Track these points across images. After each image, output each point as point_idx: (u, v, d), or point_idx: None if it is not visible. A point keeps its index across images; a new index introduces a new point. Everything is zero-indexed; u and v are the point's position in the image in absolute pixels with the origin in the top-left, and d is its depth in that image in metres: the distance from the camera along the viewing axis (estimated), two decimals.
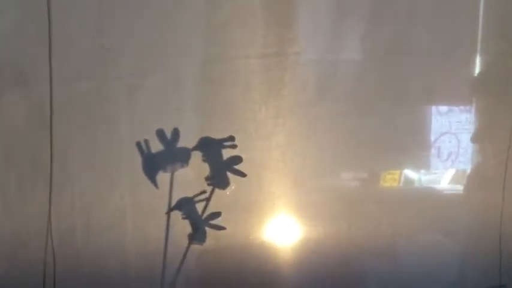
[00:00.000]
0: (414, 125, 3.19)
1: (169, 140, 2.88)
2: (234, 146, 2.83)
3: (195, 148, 2.77)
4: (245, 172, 2.94)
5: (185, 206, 2.94)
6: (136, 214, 3.17)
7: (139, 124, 3.10)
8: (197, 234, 2.88)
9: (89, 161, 3.14)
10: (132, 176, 3.11)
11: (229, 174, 2.76)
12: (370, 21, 3.09)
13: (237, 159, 2.83)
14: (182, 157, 2.93)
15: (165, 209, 3.05)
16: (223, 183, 2.87)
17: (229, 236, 3.00)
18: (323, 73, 3.11)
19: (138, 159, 3.07)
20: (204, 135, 3.04)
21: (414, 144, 3.17)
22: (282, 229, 3.17)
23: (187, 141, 3.06)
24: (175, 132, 2.86)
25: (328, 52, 3.10)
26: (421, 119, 3.18)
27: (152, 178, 2.91)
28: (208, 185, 2.92)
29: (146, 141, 2.86)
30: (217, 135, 3.01)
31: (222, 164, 2.84)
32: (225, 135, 3.00)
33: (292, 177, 3.13)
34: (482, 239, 3.21)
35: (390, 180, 3.16)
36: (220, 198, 2.77)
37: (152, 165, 2.89)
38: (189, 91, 3.11)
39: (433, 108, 3.15)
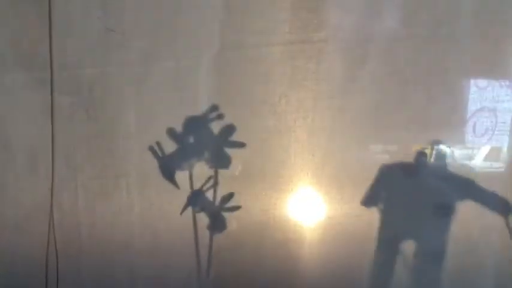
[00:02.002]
0: (449, 99, 2.90)
1: (181, 136, 2.73)
2: (220, 116, 2.73)
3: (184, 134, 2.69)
4: (261, 169, 2.89)
5: (196, 199, 2.81)
6: (144, 210, 2.97)
7: (148, 115, 2.89)
8: (216, 223, 2.83)
9: (93, 153, 2.95)
10: (139, 169, 2.94)
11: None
12: (405, 5, 2.77)
13: (230, 129, 2.71)
14: (196, 151, 2.83)
15: (175, 204, 2.94)
16: (224, 162, 2.79)
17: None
18: (352, 62, 2.79)
19: (146, 152, 2.92)
20: (219, 129, 2.87)
21: (449, 120, 2.89)
22: (302, 215, 2.95)
23: (199, 136, 2.89)
24: (187, 127, 2.70)
25: (358, 39, 2.77)
26: (457, 93, 2.89)
27: (171, 179, 2.82)
28: (210, 167, 2.84)
29: (158, 144, 2.70)
30: (232, 132, 2.85)
31: (215, 140, 2.75)
32: (241, 129, 2.85)
33: (311, 176, 2.88)
34: None
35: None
36: None
37: (169, 166, 2.82)
38: (204, 81, 2.84)
39: (471, 83, 2.86)
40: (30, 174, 2.97)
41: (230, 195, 2.84)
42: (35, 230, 3.01)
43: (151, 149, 2.71)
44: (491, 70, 2.79)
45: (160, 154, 2.73)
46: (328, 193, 2.87)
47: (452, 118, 2.82)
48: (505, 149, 2.85)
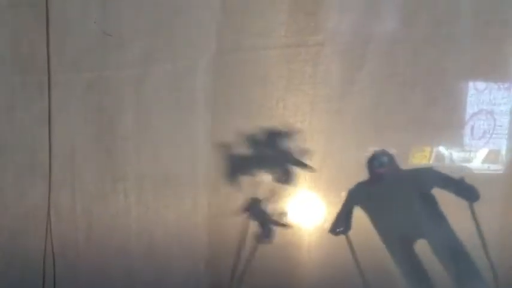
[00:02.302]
0: (447, 102, 2.87)
1: (260, 143, 2.75)
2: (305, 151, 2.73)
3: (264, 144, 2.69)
4: (255, 175, 2.84)
5: (253, 207, 2.83)
6: (141, 213, 2.95)
7: (146, 118, 2.88)
8: (265, 234, 2.82)
9: (90, 157, 2.94)
10: (137, 173, 2.93)
11: None
12: (404, 7, 2.75)
13: (305, 152, 2.73)
14: (270, 163, 2.81)
15: (173, 208, 2.93)
16: (291, 179, 2.79)
17: None
18: (349, 65, 2.77)
19: (144, 155, 2.91)
20: (215, 132, 2.86)
21: (447, 122, 2.86)
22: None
23: (197, 138, 2.88)
24: (268, 137, 2.74)
25: (355, 42, 2.76)
26: (456, 96, 2.87)
27: (236, 181, 2.82)
28: (275, 181, 2.82)
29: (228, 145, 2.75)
30: (230, 133, 2.83)
31: (289, 157, 2.76)
32: (239, 133, 2.84)
33: (309, 180, 2.85)
34: None
35: (420, 157, 2.91)
36: None
37: (238, 168, 2.80)
38: (201, 83, 2.83)
39: (470, 85, 2.84)
40: (27, 177, 2.96)
41: (285, 213, 2.85)
42: (32, 234, 2.99)
43: (224, 146, 2.75)
44: (490, 72, 2.78)
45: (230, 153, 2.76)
46: (327, 196, 2.86)
47: (450, 120, 2.81)
48: (503, 152, 2.84)
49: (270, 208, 2.81)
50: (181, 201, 2.93)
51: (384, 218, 2.79)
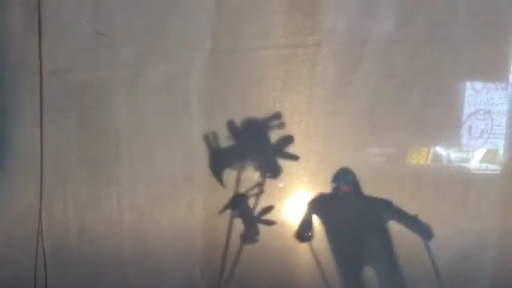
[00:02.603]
0: (445, 102, 2.86)
1: (239, 134, 2.67)
2: (282, 126, 2.67)
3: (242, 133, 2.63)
4: (250, 176, 2.79)
5: (238, 203, 2.78)
6: (134, 218, 2.90)
7: (140, 119, 2.83)
8: (250, 232, 2.77)
9: (83, 159, 2.88)
10: (131, 175, 2.88)
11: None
12: (401, 7, 2.73)
13: (288, 140, 2.67)
14: (250, 154, 2.73)
15: (167, 211, 2.88)
16: (275, 172, 2.73)
17: None
18: (346, 65, 2.73)
19: (137, 157, 2.86)
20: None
21: (445, 122, 2.84)
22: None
23: (192, 140, 2.83)
24: (246, 127, 2.66)
25: (352, 42, 2.72)
26: (454, 96, 2.85)
27: (219, 176, 2.76)
28: (259, 174, 2.77)
29: (215, 134, 2.65)
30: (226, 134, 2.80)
31: (270, 148, 2.70)
32: (234, 136, 2.80)
33: (306, 182, 2.82)
34: None
35: (417, 157, 2.89)
36: None
37: (220, 161, 2.75)
38: (196, 84, 2.79)
39: (468, 85, 2.83)
40: (19, 180, 2.91)
41: (270, 208, 2.79)
42: (23, 238, 2.94)
43: (206, 137, 2.67)
44: (488, 72, 2.75)
45: (213, 145, 2.68)
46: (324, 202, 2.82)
47: (448, 120, 2.77)
48: (500, 152, 2.82)
49: (257, 205, 2.76)
50: (176, 204, 2.88)
51: (338, 235, 2.81)
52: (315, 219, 2.80)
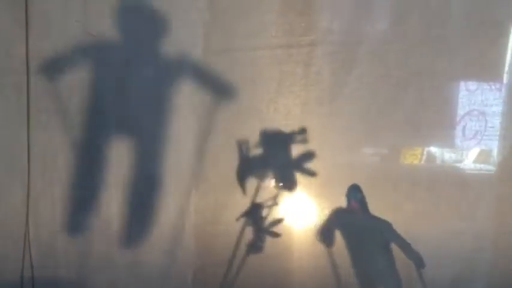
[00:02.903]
0: (439, 102, 2.84)
1: (263, 145, 2.69)
2: (305, 141, 2.68)
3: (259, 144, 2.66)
4: (247, 182, 2.78)
5: (254, 213, 2.77)
6: (125, 222, 2.83)
7: (130, 120, 2.77)
8: (259, 242, 2.78)
9: (71, 162, 2.80)
10: (120, 178, 2.81)
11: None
12: (396, 7, 2.70)
13: (309, 156, 2.69)
14: (271, 166, 2.74)
15: (157, 215, 2.83)
16: (292, 186, 2.75)
17: None
18: (341, 66, 2.72)
19: (126, 159, 2.79)
20: (203, 136, 2.75)
21: (438, 122, 2.84)
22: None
23: (183, 142, 2.78)
24: (271, 139, 2.69)
25: (347, 42, 2.70)
26: (447, 96, 2.84)
27: (242, 183, 2.75)
28: (276, 186, 2.77)
29: (246, 143, 2.66)
30: (218, 136, 2.75)
31: (291, 162, 2.72)
32: (227, 137, 2.75)
33: (301, 185, 2.79)
34: None
35: (411, 157, 2.88)
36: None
37: (245, 169, 2.74)
38: (187, 85, 2.73)
39: (462, 85, 2.82)
40: (5, 183, 2.81)
41: (280, 220, 2.79)
42: (9, 242, 2.84)
43: (239, 144, 2.69)
44: (482, 73, 2.76)
45: (244, 153, 2.70)
46: (319, 201, 2.81)
47: (442, 121, 2.79)
48: (494, 152, 2.82)
49: (269, 215, 2.76)
50: (166, 208, 2.82)
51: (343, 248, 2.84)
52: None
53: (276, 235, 2.75)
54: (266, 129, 2.73)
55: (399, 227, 2.79)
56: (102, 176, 2.81)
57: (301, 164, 2.71)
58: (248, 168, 2.74)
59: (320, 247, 2.81)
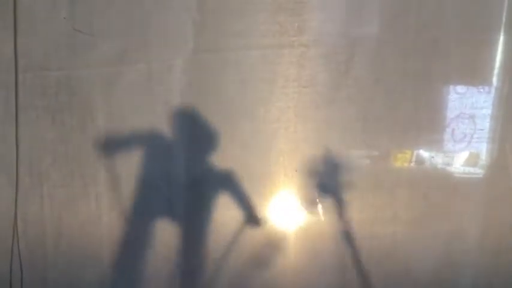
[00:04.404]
0: (429, 104, 2.81)
1: None
2: None
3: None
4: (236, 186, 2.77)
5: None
6: (113, 220, 2.82)
7: (118, 119, 2.74)
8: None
9: (59, 160, 2.79)
10: (109, 176, 2.79)
11: None
12: (389, 9, 2.65)
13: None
14: None
15: (146, 213, 2.81)
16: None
17: None
18: (335, 68, 2.66)
19: (115, 157, 2.77)
20: (193, 137, 2.73)
21: (428, 124, 2.80)
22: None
23: (172, 140, 2.75)
24: None
25: (341, 44, 2.64)
26: (438, 99, 2.81)
27: None
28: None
29: None
30: (207, 139, 2.72)
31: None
32: (217, 141, 2.71)
33: (295, 193, 2.77)
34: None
35: (401, 159, 2.88)
36: None
37: None
38: (176, 85, 2.69)
39: (451, 88, 2.80)
40: None
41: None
42: None
43: None
44: (473, 76, 2.72)
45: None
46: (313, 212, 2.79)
47: (432, 124, 2.75)
48: (483, 155, 2.81)
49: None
50: (156, 205, 2.81)
51: None
52: None
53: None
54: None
55: (389, 229, 2.78)
56: (91, 173, 2.79)
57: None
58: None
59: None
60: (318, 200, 2.76)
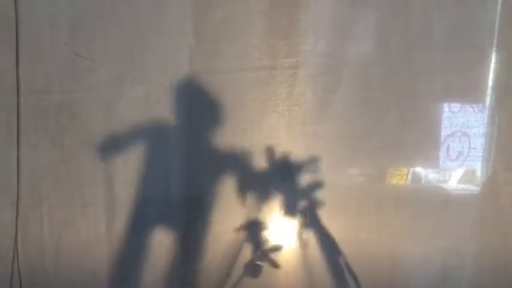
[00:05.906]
0: (423, 123, 2.86)
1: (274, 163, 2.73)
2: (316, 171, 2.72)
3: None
4: (233, 201, 2.81)
5: (252, 229, 2.81)
6: (112, 240, 2.87)
7: (117, 141, 2.82)
8: (252, 268, 2.78)
9: (59, 180, 2.86)
10: (108, 196, 2.86)
11: None
12: (378, 30, 2.75)
13: (317, 186, 2.73)
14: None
15: (146, 233, 2.86)
16: (293, 213, 2.79)
17: None
18: (324, 88, 2.75)
19: (115, 178, 2.84)
20: (188, 155, 2.81)
21: (423, 143, 2.85)
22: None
23: (170, 161, 2.83)
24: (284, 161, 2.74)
25: (329, 65, 2.74)
26: (431, 117, 2.87)
27: (244, 194, 2.81)
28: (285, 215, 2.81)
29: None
30: (202, 156, 2.79)
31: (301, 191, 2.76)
32: (211, 156, 2.78)
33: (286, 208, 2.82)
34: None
35: (397, 177, 2.91)
36: None
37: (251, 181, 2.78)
38: (173, 105, 2.78)
39: (445, 106, 2.85)
40: None
41: (278, 247, 2.83)
42: None
43: (267, 149, 2.74)
44: (464, 95, 2.77)
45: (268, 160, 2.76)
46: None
47: (426, 142, 2.80)
48: (477, 173, 2.84)
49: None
50: (156, 226, 2.86)
51: None
52: None
53: (275, 265, 2.80)
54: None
55: (384, 246, 2.82)
56: (91, 194, 2.86)
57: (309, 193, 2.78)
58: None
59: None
60: (305, 214, 2.81)
